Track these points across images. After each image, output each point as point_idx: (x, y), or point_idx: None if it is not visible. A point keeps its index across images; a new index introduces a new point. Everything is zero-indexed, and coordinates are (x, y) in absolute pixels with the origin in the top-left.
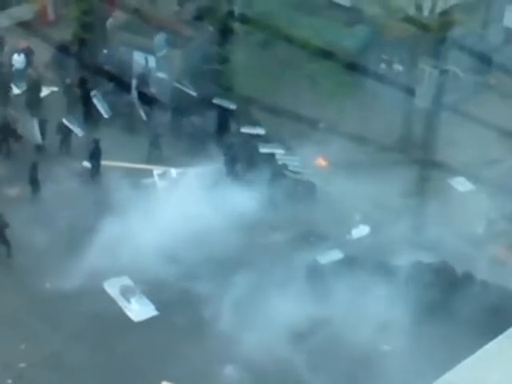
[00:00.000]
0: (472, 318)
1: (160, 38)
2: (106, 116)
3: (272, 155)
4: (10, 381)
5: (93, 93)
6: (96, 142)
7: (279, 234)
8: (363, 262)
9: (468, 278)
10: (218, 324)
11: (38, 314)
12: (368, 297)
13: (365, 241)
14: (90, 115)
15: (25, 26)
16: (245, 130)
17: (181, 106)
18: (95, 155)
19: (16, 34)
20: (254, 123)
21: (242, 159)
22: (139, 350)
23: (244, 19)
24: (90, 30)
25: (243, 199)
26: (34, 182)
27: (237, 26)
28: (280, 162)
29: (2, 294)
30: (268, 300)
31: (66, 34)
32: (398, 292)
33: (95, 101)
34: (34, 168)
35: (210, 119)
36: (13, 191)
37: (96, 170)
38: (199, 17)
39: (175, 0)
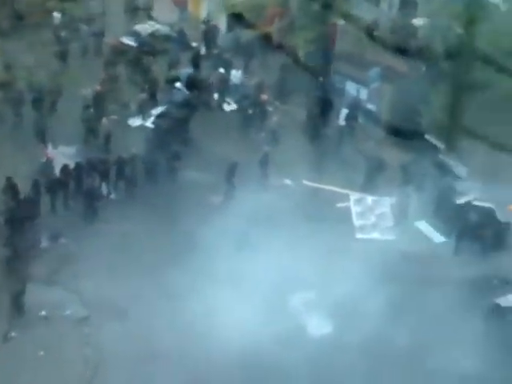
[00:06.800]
0: None
1: (374, 71)
2: None
3: (467, 195)
4: None
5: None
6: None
7: (462, 272)
8: None
9: None
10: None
11: None
12: None
13: None
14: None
15: (255, 46)
16: (448, 167)
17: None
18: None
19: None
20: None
21: (438, 197)
22: (309, 363)
23: (457, 60)
24: (310, 58)
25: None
26: (231, 187)
27: (449, 66)
28: (474, 202)
29: None
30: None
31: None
32: None
33: None
34: (231, 172)
35: (416, 155)
36: (216, 199)
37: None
38: (414, 55)
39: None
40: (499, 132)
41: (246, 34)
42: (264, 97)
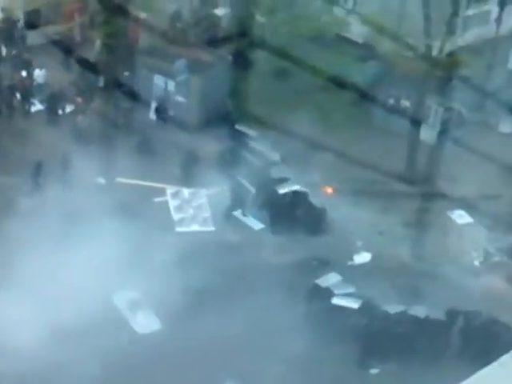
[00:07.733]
0: (465, 347)
1: (180, 63)
2: None
3: (283, 180)
4: None
5: None
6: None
7: (282, 257)
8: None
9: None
10: (216, 339)
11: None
12: None
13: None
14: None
15: (55, 44)
16: (260, 154)
17: None
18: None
19: (46, 52)
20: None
21: (253, 184)
22: (142, 361)
23: (261, 48)
24: (113, 53)
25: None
26: (36, 187)
27: (254, 54)
28: (290, 188)
29: None
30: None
31: (91, 55)
32: None
33: None
34: (36, 172)
35: (229, 144)
36: (22, 200)
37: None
38: (219, 44)
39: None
40: (296, 119)
41: (47, 31)
42: (70, 95)
